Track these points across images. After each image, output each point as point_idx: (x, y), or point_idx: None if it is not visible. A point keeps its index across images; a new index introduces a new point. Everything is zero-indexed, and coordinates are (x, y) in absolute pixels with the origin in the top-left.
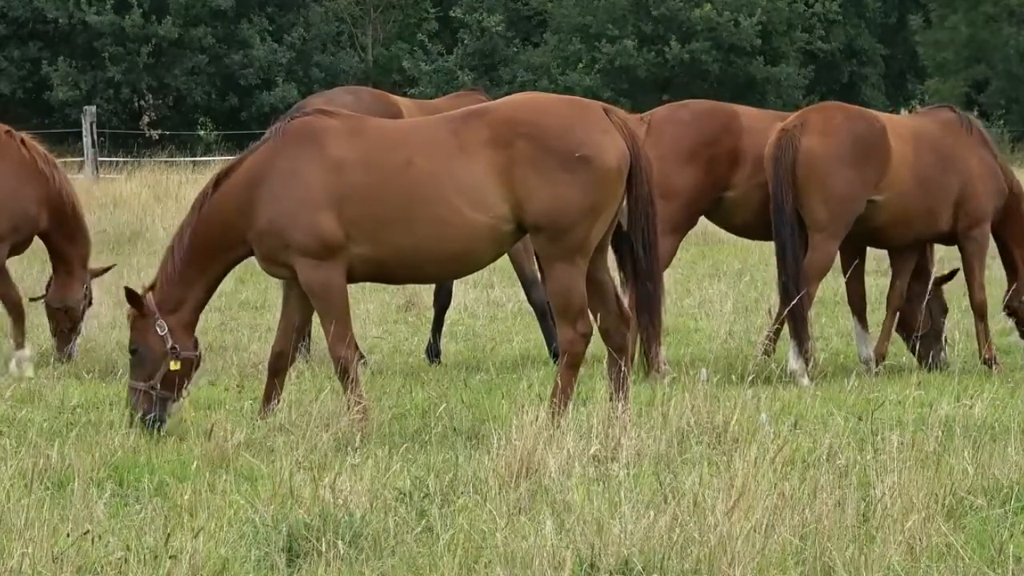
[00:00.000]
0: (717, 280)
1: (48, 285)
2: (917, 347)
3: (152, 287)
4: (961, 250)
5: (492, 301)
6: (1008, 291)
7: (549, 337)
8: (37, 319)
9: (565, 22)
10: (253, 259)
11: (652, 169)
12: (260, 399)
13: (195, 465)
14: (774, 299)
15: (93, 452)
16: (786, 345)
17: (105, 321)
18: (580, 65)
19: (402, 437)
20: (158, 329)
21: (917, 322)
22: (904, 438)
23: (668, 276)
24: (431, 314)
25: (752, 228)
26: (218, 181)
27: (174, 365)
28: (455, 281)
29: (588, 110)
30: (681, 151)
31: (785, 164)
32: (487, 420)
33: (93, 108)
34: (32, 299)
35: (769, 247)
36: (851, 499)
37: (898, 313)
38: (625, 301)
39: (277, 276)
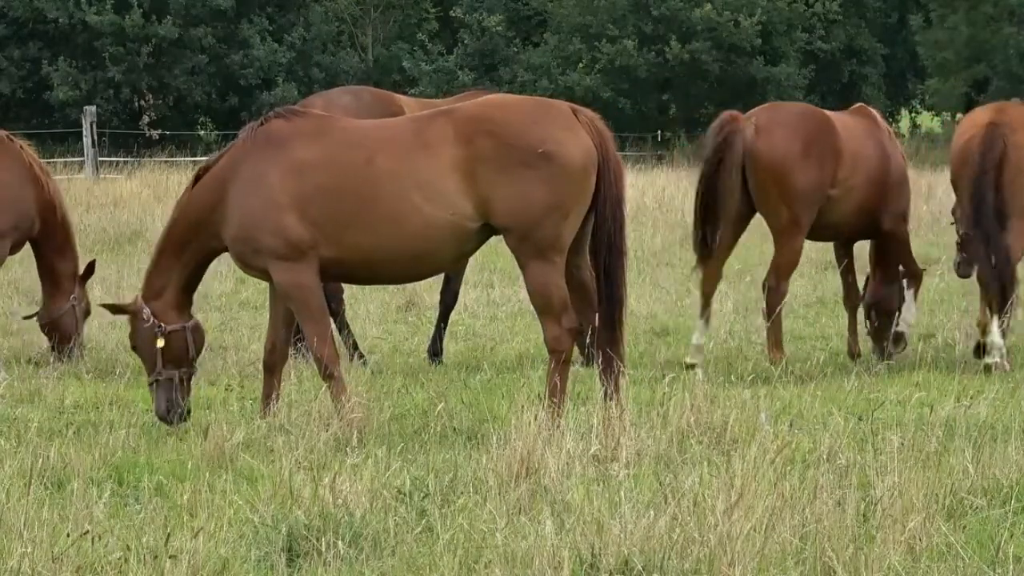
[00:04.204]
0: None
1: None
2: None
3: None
4: None
5: (492, 301)
6: None
7: None
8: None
9: (565, 22)
10: None
11: (621, 169)
12: (259, 399)
13: (195, 465)
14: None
15: (92, 452)
16: (793, 344)
17: (105, 321)
18: (580, 65)
19: (402, 437)
20: (144, 317)
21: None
22: (904, 438)
23: (668, 276)
24: (431, 314)
25: (843, 227)
26: (197, 178)
27: (160, 342)
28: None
29: (552, 108)
30: (796, 151)
31: (993, 158)
32: (487, 420)
33: (93, 108)
34: (25, 317)
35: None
36: (851, 499)
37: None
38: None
39: (254, 276)
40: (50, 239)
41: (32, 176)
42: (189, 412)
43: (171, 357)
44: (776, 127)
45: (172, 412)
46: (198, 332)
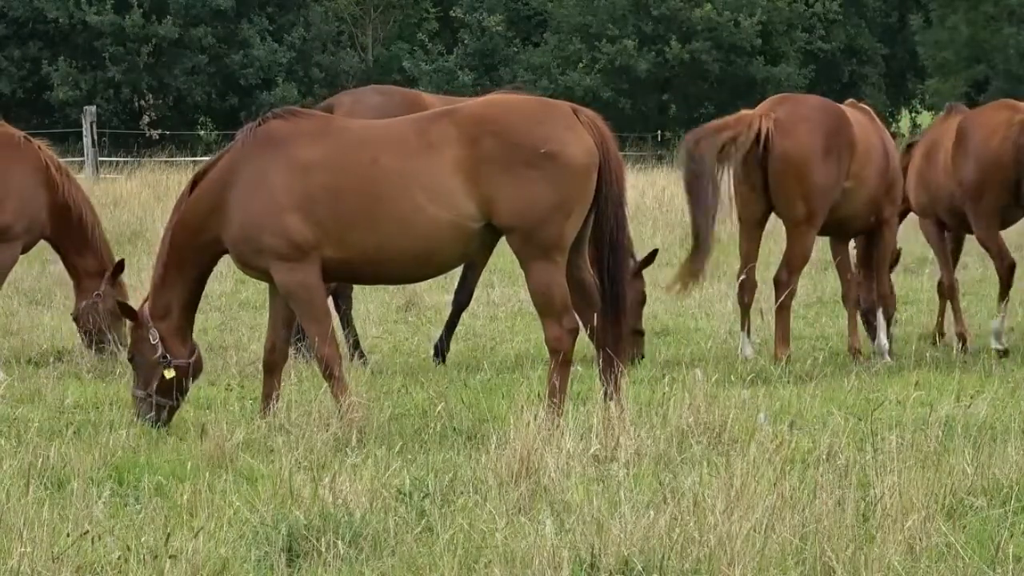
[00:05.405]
0: (717, 280)
1: None
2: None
3: (146, 298)
4: None
5: (492, 301)
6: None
7: None
8: (37, 318)
9: (565, 22)
10: None
11: (622, 169)
12: (259, 399)
13: (195, 465)
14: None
15: (92, 452)
16: (793, 344)
17: None
18: (580, 65)
19: (402, 437)
20: (151, 338)
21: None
22: (904, 438)
23: (668, 276)
24: (431, 314)
25: (853, 219)
26: (195, 182)
27: (168, 374)
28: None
29: (554, 108)
30: (818, 146)
31: None
32: (487, 420)
33: (93, 108)
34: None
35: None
36: (851, 499)
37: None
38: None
39: (254, 277)
40: (66, 239)
41: (47, 178)
42: (167, 424)
43: (167, 390)
44: (798, 122)
45: (149, 421)
46: (198, 365)
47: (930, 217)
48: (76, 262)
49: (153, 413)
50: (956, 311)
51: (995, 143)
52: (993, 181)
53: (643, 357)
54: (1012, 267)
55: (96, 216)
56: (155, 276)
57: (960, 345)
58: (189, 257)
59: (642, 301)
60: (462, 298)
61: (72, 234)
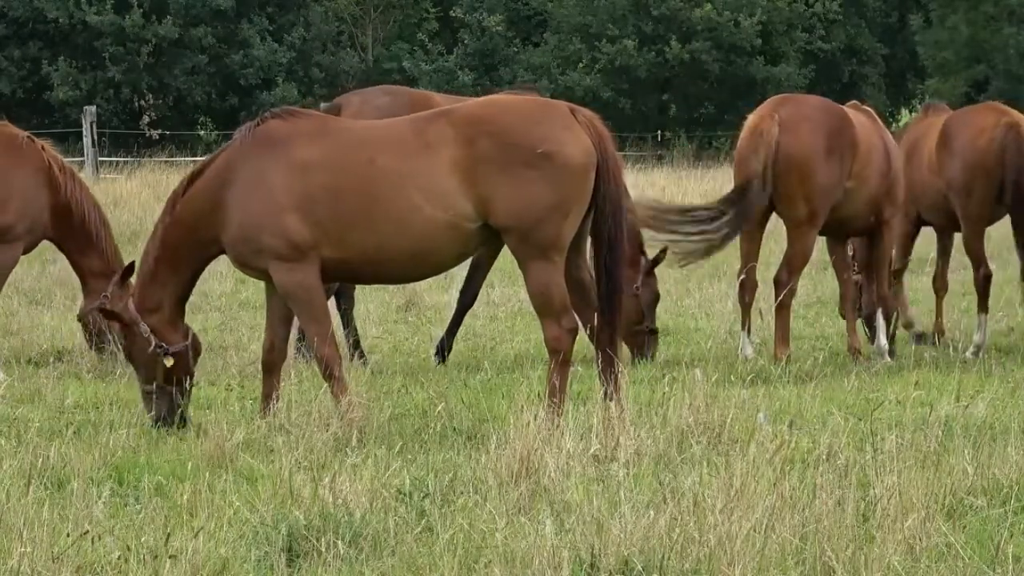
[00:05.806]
0: (717, 280)
1: None
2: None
3: (132, 293)
4: None
5: (492, 301)
6: None
7: None
8: (37, 318)
9: (565, 22)
10: None
11: (620, 168)
12: (259, 399)
13: (195, 465)
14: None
15: (92, 452)
16: (793, 344)
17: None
18: (580, 65)
19: (402, 437)
20: (143, 332)
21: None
22: (904, 438)
23: (668, 276)
24: (431, 314)
25: (854, 219)
26: (191, 181)
27: (168, 362)
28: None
29: (551, 108)
30: (820, 146)
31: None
32: (487, 420)
33: (93, 108)
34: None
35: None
36: (851, 499)
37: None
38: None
39: (253, 277)
40: (69, 240)
41: (49, 179)
42: (189, 418)
43: (173, 375)
44: (801, 122)
45: (173, 415)
46: (196, 345)
47: (910, 217)
48: (81, 263)
49: (167, 405)
50: (904, 307)
51: (982, 143)
52: (979, 180)
53: (654, 357)
54: (988, 278)
55: (103, 217)
56: (144, 271)
57: (914, 335)
58: (184, 255)
59: (656, 299)
60: (467, 299)
61: (76, 235)
